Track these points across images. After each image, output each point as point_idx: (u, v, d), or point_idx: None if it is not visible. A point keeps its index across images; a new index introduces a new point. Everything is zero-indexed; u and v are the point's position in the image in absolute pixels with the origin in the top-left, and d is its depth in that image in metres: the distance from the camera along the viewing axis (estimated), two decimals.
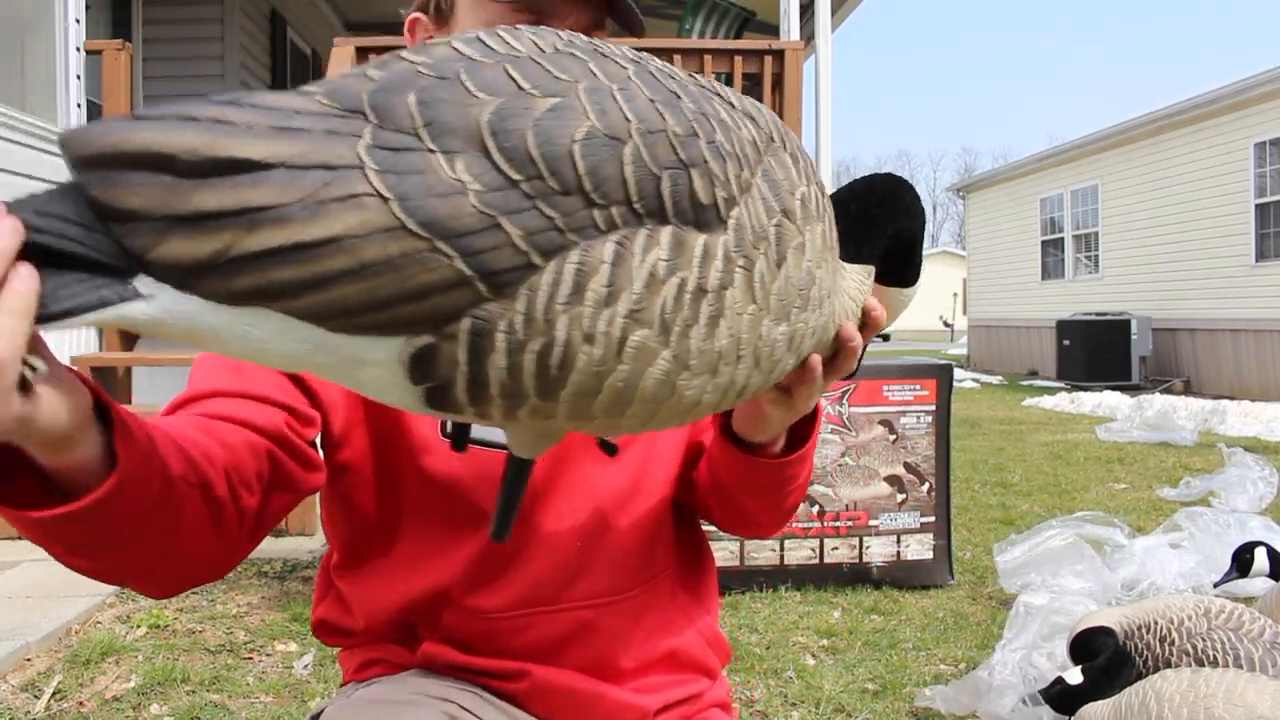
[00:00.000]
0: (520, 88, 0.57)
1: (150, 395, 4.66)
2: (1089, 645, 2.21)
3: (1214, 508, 4.11)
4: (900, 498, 3.60)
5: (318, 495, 1.00)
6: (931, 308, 39.64)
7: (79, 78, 5.14)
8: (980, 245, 19.23)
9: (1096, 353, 12.98)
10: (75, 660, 2.74)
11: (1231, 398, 10.74)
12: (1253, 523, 3.73)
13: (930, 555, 3.63)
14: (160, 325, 0.55)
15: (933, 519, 3.63)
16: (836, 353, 0.78)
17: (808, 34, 6.77)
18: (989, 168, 27.94)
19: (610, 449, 0.97)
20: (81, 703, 2.51)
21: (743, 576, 3.50)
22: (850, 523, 3.57)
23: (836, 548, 3.56)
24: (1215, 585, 3.03)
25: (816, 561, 3.55)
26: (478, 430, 0.96)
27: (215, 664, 2.80)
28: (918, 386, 3.62)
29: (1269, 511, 4.49)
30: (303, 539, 3.96)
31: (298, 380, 0.92)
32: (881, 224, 0.80)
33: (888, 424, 3.59)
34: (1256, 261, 11.59)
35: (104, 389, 0.65)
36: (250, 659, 2.86)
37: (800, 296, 0.66)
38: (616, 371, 0.58)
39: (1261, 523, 3.78)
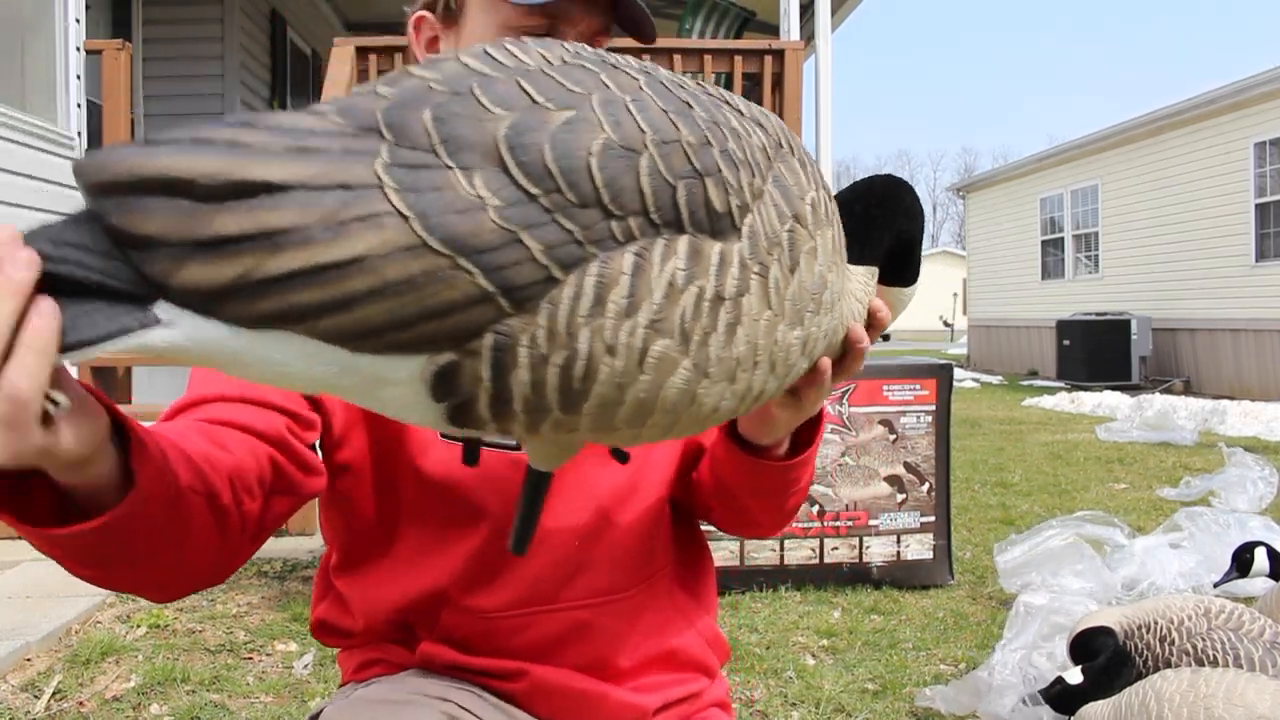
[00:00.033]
0: (534, 101, 0.56)
1: (150, 395, 4.66)
2: (1089, 645, 2.21)
3: (1214, 508, 4.11)
4: (900, 498, 3.60)
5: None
6: (931, 308, 39.64)
7: (79, 78, 5.14)
8: (980, 245, 19.23)
9: (1096, 353, 12.98)
10: (75, 660, 2.74)
11: (1231, 398, 10.74)
12: (1253, 523, 3.74)
13: (930, 555, 3.63)
14: (182, 351, 0.54)
15: (933, 519, 3.63)
16: (845, 354, 0.78)
17: (808, 34, 6.77)
18: (989, 168, 27.96)
19: (623, 457, 0.97)
20: (81, 703, 2.51)
21: (743, 576, 3.50)
22: (850, 523, 3.57)
23: (836, 548, 3.56)
24: (1215, 585, 3.04)
25: (816, 561, 3.55)
26: None
27: (215, 664, 2.80)
28: (918, 386, 3.62)
29: (1269, 511, 4.49)
30: (303, 539, 3.96)
31: None
32: (883, 225, 0.80)
33: (888, 424, 3.59)
34: (1256, 261, 11.59)
35: (108, 393, 0.65)
36: (250, 659, 2.86)
37: (813, 301, 0.66)
38: (638, 382, 0.58)
39: (1261, 523, 3.78)
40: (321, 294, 0.52)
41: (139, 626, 3.04)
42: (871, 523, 3.58)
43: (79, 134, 5.13)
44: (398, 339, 0.54)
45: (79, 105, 5.14)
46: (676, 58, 4.37)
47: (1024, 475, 6.02)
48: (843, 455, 3.56)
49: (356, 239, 0.52)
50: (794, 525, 3.51)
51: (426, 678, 1.01)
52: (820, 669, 2.82)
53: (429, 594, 1.01)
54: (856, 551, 3.58)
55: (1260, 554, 2.82)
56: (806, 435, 0.97)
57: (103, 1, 6.90)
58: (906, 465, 3.60)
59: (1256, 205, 11.56)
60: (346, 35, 6.98)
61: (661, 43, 4.74)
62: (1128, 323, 12.83)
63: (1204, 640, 2.05)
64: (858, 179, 0.82)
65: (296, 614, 3.16)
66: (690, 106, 0.60)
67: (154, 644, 2.90)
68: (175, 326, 0.53)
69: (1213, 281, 12.28)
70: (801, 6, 6.11)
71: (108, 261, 0.51)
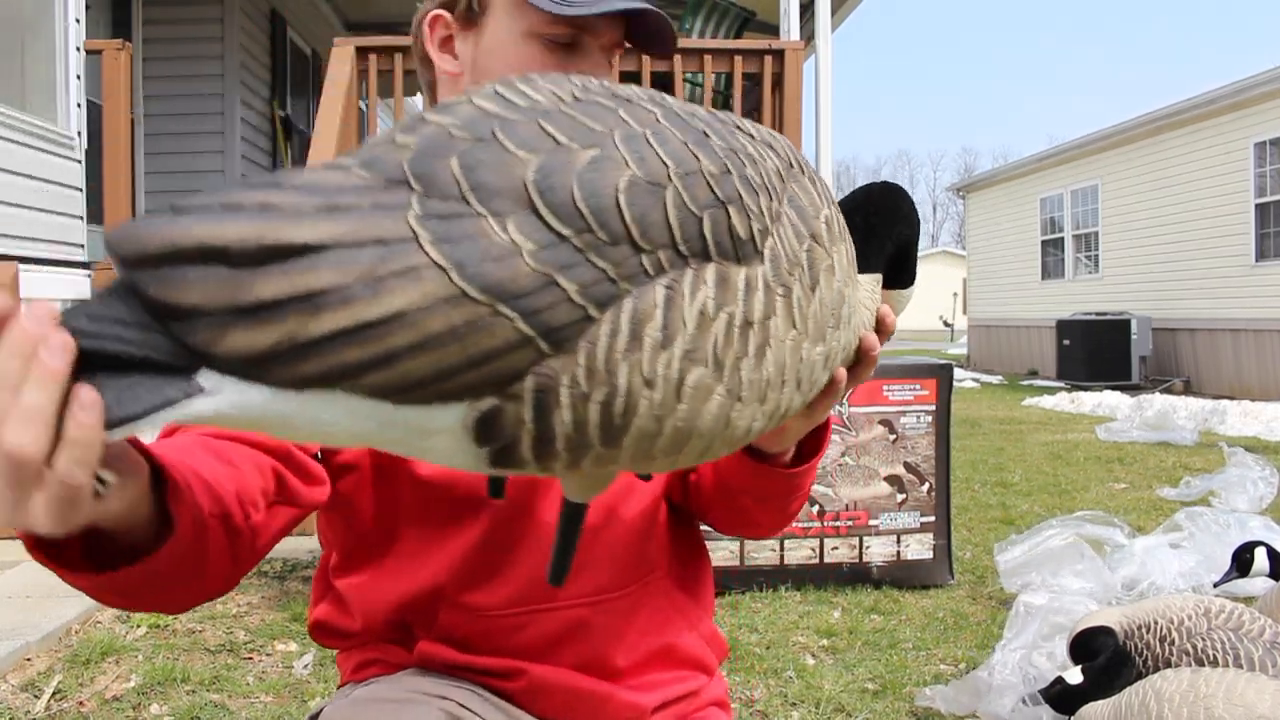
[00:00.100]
0: (558, 142, 0.57)
1: None
2: (1089, 645, 2.21)
3: (1214, 508, 4.11)
4: (900, 498, 3.60)
5: None
6: (931, 308, 39.63)
7: (79, 78, 5.14)
8: (980, 245, 19.23)
9: (1096, 353, 12.98)
10: (75, 660, 2.74)
11: (1231, 398, 10.74)
12: (1253, 523, 3.74)
13: (930, 555, 3.63)
14: (227, 419, 0.54)
15: (933, 519, 3.63)
16: (857, 362, 0.80)
17: (808, 34, 6.77)
18: (989, 168, 27.96)
19: (646, 476, 0.98)
20: (81, 703, 2.51)
21: (743, 576, 3.50)
22: (850, 522, 3.57)
23: (836, 547, 3.56)
24: (1215, 585, 3.04)
25: (816, 561, 3.55)
26: None
27: (215, 664, 2.80)
28: (918, 386, 3.62)
29: (1269, 511, 4.49)
30: (303, 539, 3.96)
31: None
32: (883, 233, 0.82)
33: (888, 424, 3.59)
34: (1256, 261, 11.59)
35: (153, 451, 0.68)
36: (250, 659, 2.86)
37: (833, 317, 0.68)
38: (676, 412, 0.59)
39: (1261, 523, 3.78)
40: (365, 351, 0.52)
41: (139, 626, 3.04)
42: (871, 523, 3.58)
43: (79, 134, 5.13)
44: (441, 389, 0.54)
45: (79, 105, 5.14)
46: (676, 58, 4.37)
47: (1024, 475, 6.02)
48: (843, 455, 3.56)
49: (397, 294, 0.52)
50: (794, 525, 3.51)
51: (425, 677, 1.01)
52: (820, 669, 2.82)
53: (427, 592, 1.01)
54: (856, 551, 3.58)
55: (1260, 554, 2.82)
56: (812, 443, 0.98)
57: (103, 1, 6.90)
58: (906, 465, 3.60)
59: (1256, 205, 11.56)
60: (346, 35, 6.98)
61: None
62: (1128, 323, 12.83)
63: (1204, 640, 2.05)
64: (855, 187, 0.84)
65: (296, 614, 3.16)
66: (707, 136, 0.61)
67: (154, 644, 2.90)
68: (219, 394, 0.52)
69: (1212, 281, 12.28)
70: (801, 6, 6.11)
71: (147, 334, 0.51)
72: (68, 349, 0.49)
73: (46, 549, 0.66)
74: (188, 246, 0.50)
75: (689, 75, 5.00)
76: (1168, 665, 2.07)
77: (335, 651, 1.13)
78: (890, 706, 2.57)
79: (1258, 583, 3.01)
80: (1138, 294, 13.77)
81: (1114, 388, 12.00)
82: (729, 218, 0.60)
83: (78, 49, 5.13)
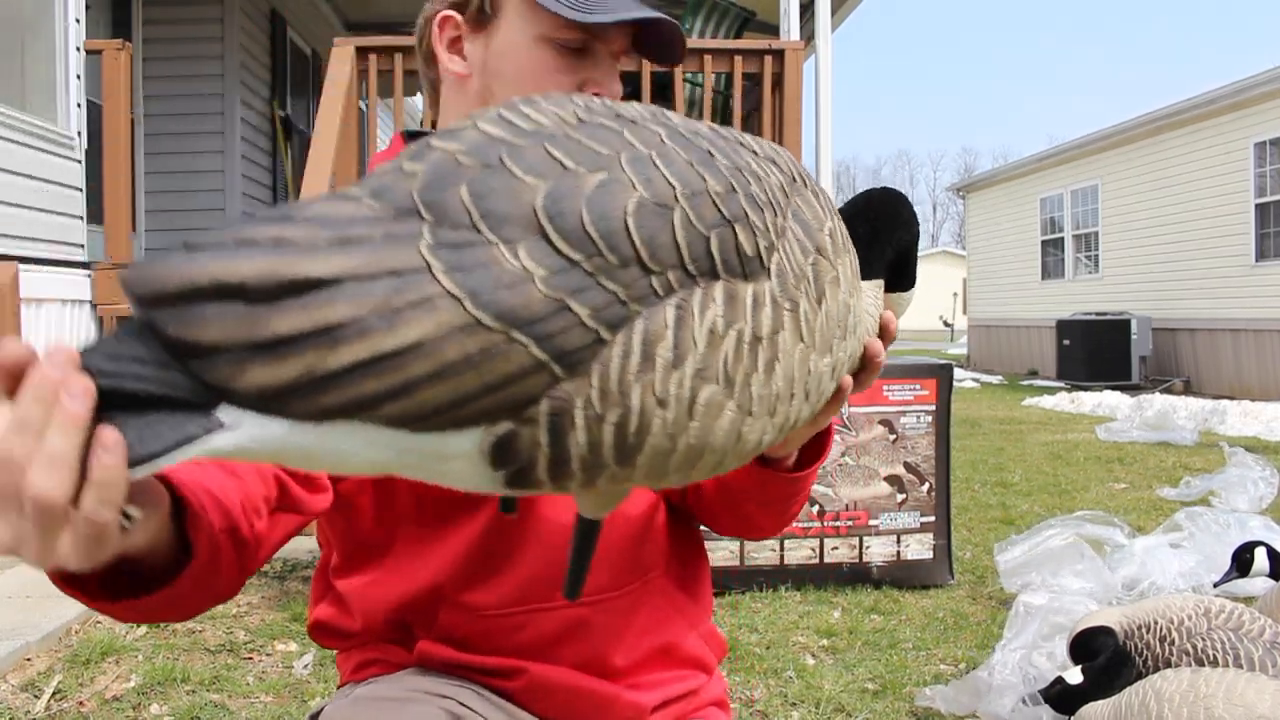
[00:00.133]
0: (565, 167, 0.57)
1: None
2: (1089, 645, 2.21)
3: (1214, 508, 4.11)
4: (900, 498, 3.60)
5: None
6: (931, 308, 39.63)
7: (79, 78, 5.14)
8: (980, 245, 19.23)
9: (1096, 353, 12.98)
10: (75, 660, 2.74)
11: (1231, 398, 10.74)
12: (1253, 523, 3.74)
13: (930, 555, 3.63)
14: (247, 453, 0.55)
15: (933, 519, 3.63)
16: (862, 368, 0.81)
17: (808, 34, 6.77)
18: (989, 168, 27.95)
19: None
20: (81, 703, 2.51)
21: (743, 576, 3.50)
22: (850, 522, 3.57)
23: (836, 547, 3.56)
24: (1215, 585, 3.03)
25: (816, 561, 3.55)
26: None
27: (215, 664, 2.80)
28: (918, 386, 3.62)
29: (1269, 511, 4.49)
30: (303, 539, 3.95)
31: None
32: (884, 239, 0.83)
33: (888, 424, 3.59)
34: (1256, 261, 11.59)
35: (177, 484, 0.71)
36: (250, 659, 2.86)
37: (839, 328, 0.69)
38: (689, 430, 0.60)
39: (1261, 523, 3.78)
40: (383, 382, 0.53)
41: (139, 627, 3.04)
42: (871, 523, 3.58)
43: (79, 134, 5.13)
44: (458, 415, 0.55)
45: (79, 105, 5.14)
46: None
47: (1024, 475, 6.02)
48: (843, 455, 3.56)
49: (413, 325, 0.53)
50: (794, 525, 3.51)
51: (425, 676, 1.01)
52: (820, 669, 2.82)
53: (427, 592, 1.01)
54: (856, 551, 3.58)
55: (1260, 554, 2.82)
56: (815, 447, 0.98)
57: (103, 1, 6.90)
58: (906, 465, 3.60)
59: (1256, 205, 11.56)
60: (346, 35, 6.98)
61: None
62: (1128, 323, 12.83)
63: (1204, 640, 2.05)
64: (856, 190, 0.84)
65: (296, 614, 3.16)
66: (712, 155, 0.62)
67: (154, 644, 2.90)
68: (239, 429, 0.53)
69: (1212, 281, 12.28)
70: (801, 6, 6.11)
71: (165, 372, 0.51)
72: (88, 393, 0.50)
73: (68, 578, 0.68)
74: (204, 284, 0.51)
75: (689, 75, 5.00)
76: (1168, 665, 2.07)
77: (335, 652, 1.13)
78: (890, 706, 2.57)
79: (1258, 583, 3.01)
80: (1138, 294, 13.77)
81: (1114, 388, 12.00)
82: (736, 236, 0.60)
83: (78, 49, 5.13)
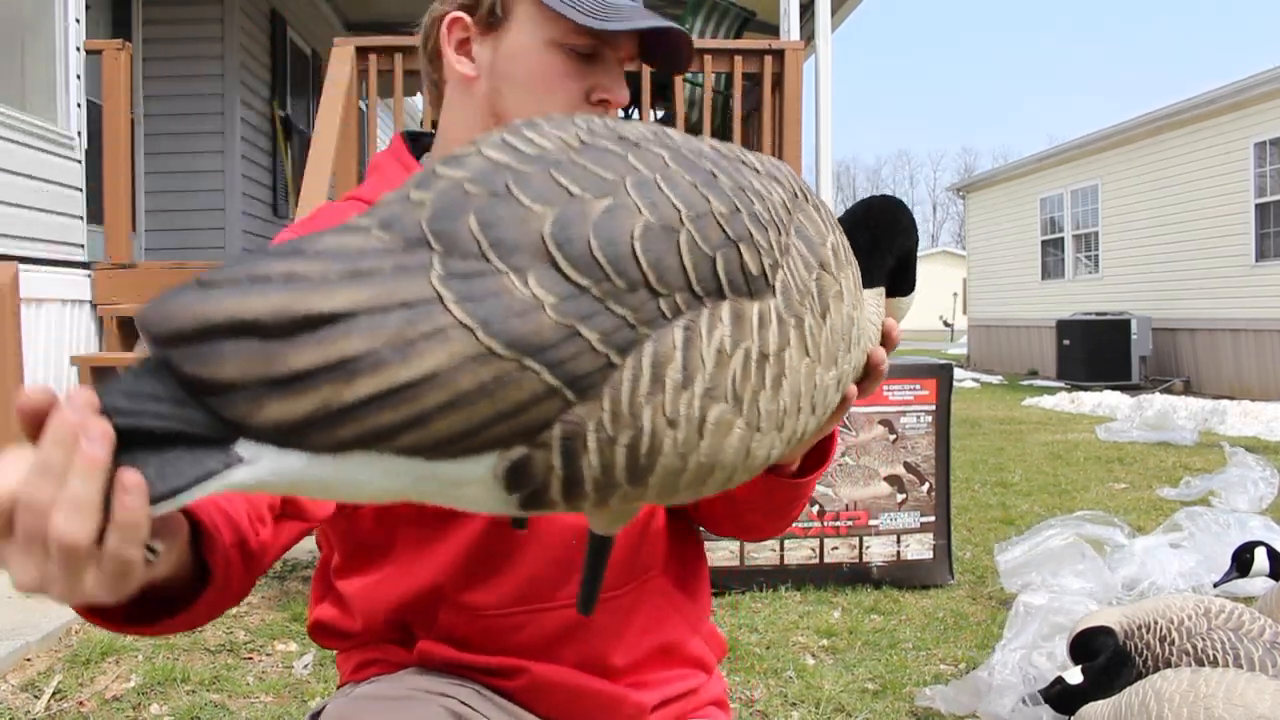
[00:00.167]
0: (571, 193, 0.58)
1: None
2: (1089, 645, 2.21)
3: (1214, 508, 4.11)
4: (900, 498, 3.60)
5: None
6: (931, 308, 39.64)
7: (79, 78, 5.14)
8: (980, 245, 19.23)
9: (1096, 353, 12.98)
10: (75, 660, 2.74)
11: (1231, 398, 10.74)
12: (1253, 523, 3.73)
13: (930, 555, 3.63)
14: (266, 485, 0.56)
15: (933, 519, 3.63)
16: (866, 376, 0.81)
17: (808, 34, 6.77)
18: (989, 168, 27.95)
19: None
20: (81, 703, 2.51)
21: (743, 576, 3.50)
22: (850, 522, 3.57)
23: (836, 547, 3.56)
24: (1215, 585, 3.03)
25: (816, 561, 3.55)
26: None
27: (215, 664, 2.80)
28: (918, 386, 3.62)
29: (1269, 511, 4.49)
30: (303, 539, 3.96)
31: None
32: (884, 247, 0.84)
33: (888, 424, 3.59)
34: (1256, 261, 11.59)
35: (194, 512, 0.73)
36: (250, 659, 2.86)
37: (844, 341, 0.70)
38: (699, 449, 0.60)
39: (1261, 523, 3.78)
40: (399, 413, 0.54)
41: None
42: (871, 523, 3.58)
43: (79, 134, 5.13)
44: (472, 443, 0.56)
45: (79, 105, 5.14)
46: None
47: (1024, 475, 6.02)
48: (843, 455, 3.55)
49: (426, 356, 0.53)
50: (794, 525, 3.51)
51: (426, 675, 1.01)
52: (820, 669, 2.82)
53: (427, 592, 1.01)
54: (856, 551, 3.58)
55: (1260, 554, 2.82)
56: (818, 454, 0.99)
57: (103, 1, 6.90)
58: (906, 465, 3.60)
59: (1256, 205, 11.56)
60: (346, 35, 6.98)
61: None
62: (1128, 323, 12.83)
63: (1204, 640, 2.05)
64: (855, 195, 0.84)
65: (296, 614, 3.16)
66: (715, 176, 0.63)
67: (154, 644, 2.90)
68: (258, 463, 0.54)
69: (1212, 281, 12.28)
70: (801, 6, 6.11)
71: (183, 409, 0.52)
72: (107, 437, 0.51)
73: (93, 608, 0.70)
74: (220, 322, 0.52)
75: (689, 75, 5.00)
76: (1168, 665, 2.07)
77: (335, 652, 1.13)
78: (890, 706, 2.57)
79: (1258, 583, 3.01)
80: (1138, 294, 13.77)
81: (1114, 388, 12.00)
82: (741, 256, 0.61)
83: (78, 49, 5.13)
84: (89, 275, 4.82)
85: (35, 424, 0.52)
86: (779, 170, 0.69)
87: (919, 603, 3.44)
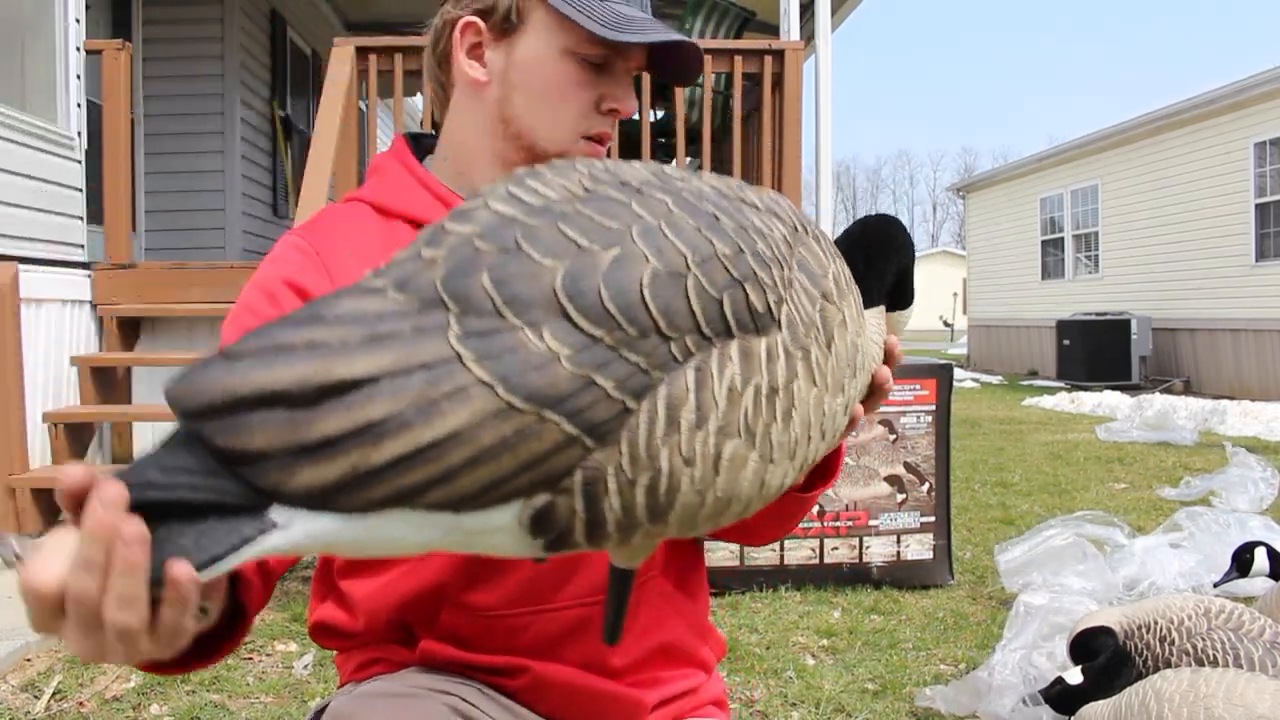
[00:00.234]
0: (580, 246, 0.60)
1: (150, 395, 4.66)
2: (1089, 645, 2.21)
3: (1214, 507, 4.11)
4: (900, 498, 3.60)
5: None
6: (931, 308, 39.62)
7: (79, 78, 5.14)
8: (980, 245, 19.23)
9: (1096, 353, 12.98)
10: (75, 660, 2.75)
11: (1231, 398, 10.74)
12: (1253, 523, 3.74)
13: (930, 555, 3.63)
14: (301, 548, 0.58)
15: (933, 519, 3.63)
16: (871, 395, 0.83)
17: (808, 34, 6.76)
18: (989, 168, 27.94)
19: None
20: (81, 703, 2.51)
21: (743, 576, 3.50)
22: (850, 523, 3.57)
23: (836, 548, 3.56)
24: (1215, 585, 3.03)
25: (816, 561, 3.55)
26: None
27: (215, 664, 2.79)
28: (918, 386, 3.62)
29: (1269, 511, 4.49)
30: None
31: None
32: (882, 266, 0.85)
33: (888, 424, 3.59)
34: (1256, 261, 11.59)
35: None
36: (250, 659, 2.86)
37: (849, 367, 0.72)
38: (716, 484, 0.62)
39: (1261, 523, 3.78)
40: (426, 472, 0.56)
41: None
42: (871, 523, 3.58)
43: (79, 134, 5.13)
44: (497, 494, 0.58)
45: (79, 105, 5.14)
46: None
47: (1024, 475, 6.02)
48: None
49: (449, 415, 0.56)
50: None
51: (428, 673, 1.01)
52: (820, 669, 2.83)
53: (429, 592, 1.01)
54: (856, 551, 3.58)
55: (1260, 554, 2.82)
56: (824, 468, 1.00)
57: (103, 1, 6.90)
58: (906, 465, 3.60)
59: (1256, 205, 11.56)
60: (346, 35, 6.98)
61: None
62: (1128, 323, 12.83)
63: (1204, 640, 2.05)
64: (851, 224, 0.87)
65: (296, 614, 3.16)
66: (718, 219, 0.64)
67: None
68: (292, 527, 0.56)
69: (1213, 281, 12.28)
70: (801, 6, 6.11)
71: (216, 480, 0.54)
72: (143, 541, 0.53)
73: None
74: (247, 394, 0.54)
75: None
76: (1168, 665, 2.07)
77: (335, 652, 1.13)
78: (890, 706, 2.57)
79: (1258, 583, 3.01)
80: (1138, 294, 13.77)
81: (1114, 388, 12.00)
82: (746, 295, 0.63)
83: (78, 49, 5.13)
84: (89, 275, 4.82)
85: (76, 503, 0.54)
86: (779, 205, 0.70)
87: (919, 603, 3.44)
